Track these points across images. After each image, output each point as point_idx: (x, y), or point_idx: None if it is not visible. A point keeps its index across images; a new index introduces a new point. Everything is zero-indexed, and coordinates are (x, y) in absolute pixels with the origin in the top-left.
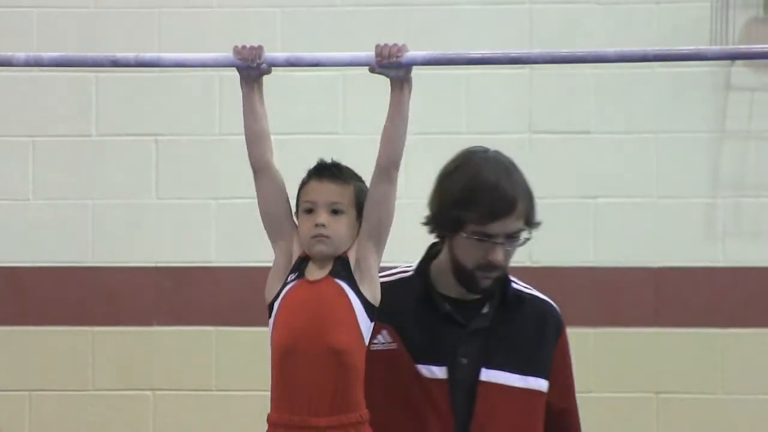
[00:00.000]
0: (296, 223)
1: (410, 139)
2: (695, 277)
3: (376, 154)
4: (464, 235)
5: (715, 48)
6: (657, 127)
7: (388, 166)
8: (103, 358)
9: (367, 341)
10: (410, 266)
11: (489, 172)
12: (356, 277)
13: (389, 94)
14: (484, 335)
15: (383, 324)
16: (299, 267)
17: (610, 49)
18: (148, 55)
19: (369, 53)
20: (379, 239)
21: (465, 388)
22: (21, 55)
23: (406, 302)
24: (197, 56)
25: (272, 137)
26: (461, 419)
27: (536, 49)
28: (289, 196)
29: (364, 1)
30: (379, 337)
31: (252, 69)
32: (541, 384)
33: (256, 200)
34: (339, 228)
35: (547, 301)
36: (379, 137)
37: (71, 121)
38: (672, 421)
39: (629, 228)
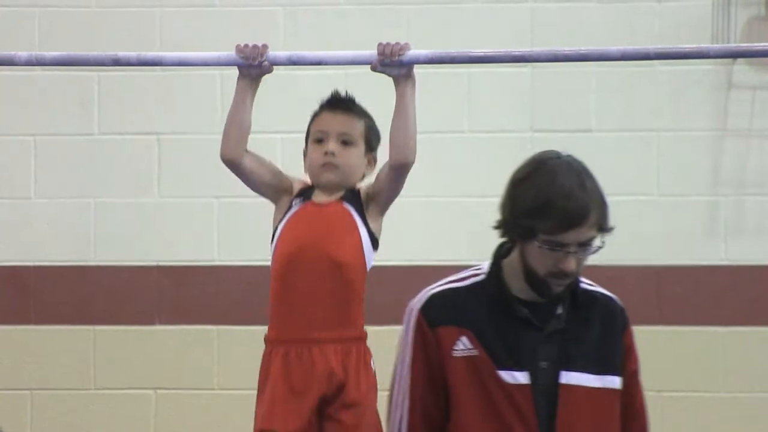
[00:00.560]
0: (288, 176)
1: None
2: (697, 275)
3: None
4: (536, 243)
5: (717, 46)
6: (658, 125)
7: (399, 167)
8: (105, 356)
9: (368, 267)
10: (480, 269)
11: (562, 180)
12: (365, 208)
13: (393, 93)
14: (560, 337)
15: (462, 329)
16: (304, 193)
17: (613, 47)
18: (150, 53)
19: (371, 52)
20: (387, 203)
21: (546, 392)
22: (23, 54)
23: (483, 307)
24: (199, 55)
25: (274, 136)
26: (544, 423)
27: (538, 48)
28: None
29: (367, 0)
30: (459, 343)
31: (253, 67)
32: (615, 382)
33: (258, 199)
34: (349, 157)
35: (612, 298)
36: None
37: (73, 119)
38: (675, 419)
39: (631, 226)
